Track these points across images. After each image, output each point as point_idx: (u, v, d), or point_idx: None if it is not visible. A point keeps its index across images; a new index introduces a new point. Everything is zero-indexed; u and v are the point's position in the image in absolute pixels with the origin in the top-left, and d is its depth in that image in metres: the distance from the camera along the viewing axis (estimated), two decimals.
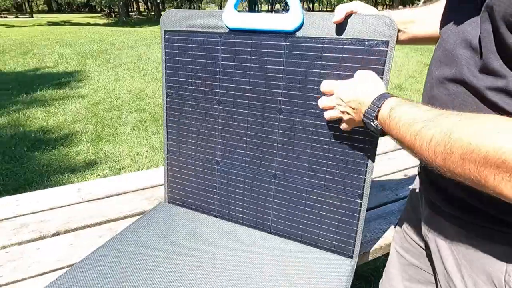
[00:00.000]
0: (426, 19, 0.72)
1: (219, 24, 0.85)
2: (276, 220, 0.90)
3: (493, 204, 0.51)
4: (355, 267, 0.79)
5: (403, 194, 1.14)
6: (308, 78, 0.78)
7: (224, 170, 0.94)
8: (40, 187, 2.35)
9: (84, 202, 1.07)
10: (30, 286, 0.74)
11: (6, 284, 0.75)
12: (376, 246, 0.89)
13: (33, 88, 4.89)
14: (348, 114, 0.67)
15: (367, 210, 1.05)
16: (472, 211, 0.55)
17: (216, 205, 0.97)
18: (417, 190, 0.76)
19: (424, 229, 0.69)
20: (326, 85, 0.72)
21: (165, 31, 0.93)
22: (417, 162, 0.67)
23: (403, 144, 0.52)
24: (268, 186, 0.89)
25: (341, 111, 0.69)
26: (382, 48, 0.71)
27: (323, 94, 0.73)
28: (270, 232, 0.91)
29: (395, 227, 0.88)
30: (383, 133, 0.59)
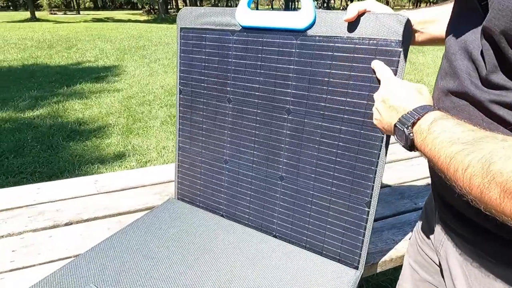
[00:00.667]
0: (445, 18, 0.67)
1: (232, 22, 0.84)
2: (281, 223, 0.88)
3: (508, 228, 0.46)
4: (359, 278, 0.75)
5: (422, 203, 1.08)
6: (318, 78, 0.76)
7: (232, 169, 0.93)
8: (71, 176, 2.47)
9: (99, 194, 1.10)
10: (37, 273, 0.77)
11: (17, 269, 0.78)
12: (386, 257, 0.84)
13: (73, 81, 5.16)
14: (378, 111, 0.60)
15: (381, 219, 1.01)
16: (486, 233, 0.50)
17: (224, 204, 0.96)
18: (432, 201, 0.71)
19: (436, 243, 0.64)
20: (379, 67, 0.66)
21: (181, 29, 0.94)
22: None
23: (435, 165, 0.45)
24: (274, 188, 0.87)
25: (375, 106, 0.62)
26: (395, 48, 0.67)
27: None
28: (275, 236, 0.89)
29: (410, 239, 0.83)
30: (412, 146, 0.51)
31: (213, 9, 0.88)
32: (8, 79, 5.30)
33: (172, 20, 19.35)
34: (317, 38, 0.74)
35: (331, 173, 0.78)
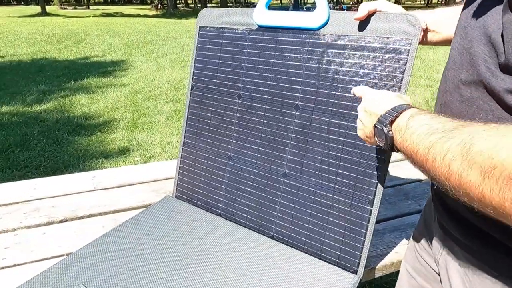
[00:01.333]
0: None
1: (249, 22, 0.88)
2: (280, 223, 0.85)
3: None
4: (357, 283, 0.72)
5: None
6: (328, 75, 0.77)
7: (235, 166, 0.91)
8: (75, 171, 2.47)
9: (96, 190, 1.08)
10: (28, 271, 0.75)
11: (9, 266, 0.77)
12: (387, 261, 0.81)
13: (81, 76, 5.18)
14: (361, 121, 0.59)
15: (383, 220, 0.98)
16: (487, 240, 0.47)
17: (222, 202, 0.94)
18: (431, 204, 0.68)
19: (435, 251, 0.61)
20: (357, 89, 0.68)
21: (200, 27, 0.97)
22: None
23: (414, 161, 0.43)
24: (276, 185, 0.85)
25: (358, 118, 0.61)
26: (404, 47, 0.68)
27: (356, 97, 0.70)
28: (272, 237, 0.86)
29: (408, 244, 0.80)
30: (393, 146, 0.50)
31: (232, 9, 0.92)
32: (17, 73, 5.34)
33: (181, 15, 19.36)
34: (329, 37, 0.76)
35: (335, 169, 0.76)
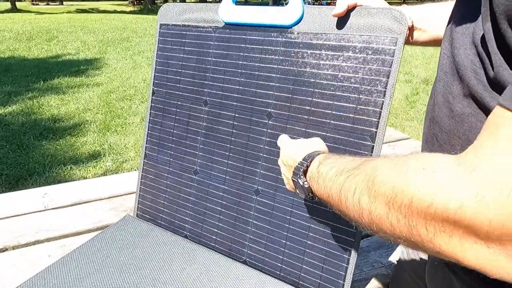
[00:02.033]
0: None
1: (215, 18, 0.77)
2: (253, 246, 0.75)
3: None
4: None
5: None
6: (303, 79, 0.68)
7: (202, 182, 0.80)
8: (40, 179, 2.31)
9: (46, 210, 0.95)
10: None
11: None
12: (373, 286, 0.73)
13: (51, 75, 4.92)
14: (284, 175, 0.59)
15: (366, 236, 0.89)
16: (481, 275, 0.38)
17: (189, 223, 0.83)
18: None
19: (427, 279, 0.52)
20: (279, 139, 0.65)
21: (161, 25, 0.85)
22: None
23: (332, 205, 0.41)
24: (248, 203, 0.75)
25: (282, 172, 0.60)
26: (389, 47, 0.59)
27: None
28: (244, 262, 0.76)
29: (397, 261, 0.71)
30: (311, 194, 0.49)
31: (196, 5, 0.81)
32: None
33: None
34: (304, 35, 0.67)
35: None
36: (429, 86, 4.65)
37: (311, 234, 0.68)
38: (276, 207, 0.72)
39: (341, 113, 0.64)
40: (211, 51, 0.78)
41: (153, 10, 19.94)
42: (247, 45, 0.73)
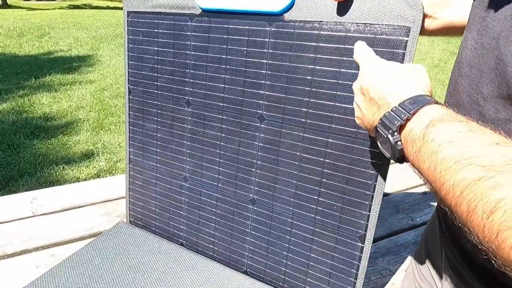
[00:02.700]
0: (465, 0, 0.49)
1: (190, 4, 0.66)
2: (253, 257, 0.70)
3: None
4: None
5: (420, 219, 0.93)
6: (298, 76, 0.59)
7: (192, 189, 0.75)
8: (31, 180, 2.25)
9: (34, 216, 0.90)
10: None
11: None
12: None
13: (43, 72, 4.83)
14: (358, 106, 0.44)
15: (373, 241, 0.85)
16: None
17: (184, 231, 0.78)
18: (436, 234, 0.55)
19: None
20: (356, 48, 0.51)
21: (128, 13, 0.75)
22: None
23: (437, 193, 0.30)
24: (244, 213, 0.70)
25: (355, 100, 0.46)
26: (400, 38, 0.50)
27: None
28: (245, 272, 0.72)
29: (406, 270, 0.67)
30: (402, 158, 0.36)
31: None
32: None
33: None
34: (297, 24, 0.57)
35: (315, 197, 0.61)
36: None
37: (314, 247, 0.64)
38: (275, 218, 0.67)
39: (343, 116, 0.56)
40: (189, 43, 0.68)
41: None
42: (230, 36, 0.64)
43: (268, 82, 0.62)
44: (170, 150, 0.76)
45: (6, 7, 17.49)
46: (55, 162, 2.45)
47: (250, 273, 0.72)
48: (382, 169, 0.55)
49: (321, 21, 0.55)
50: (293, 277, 0.67)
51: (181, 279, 0.69)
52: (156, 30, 0.72)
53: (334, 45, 0.55)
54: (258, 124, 0.64)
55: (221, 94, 0.67)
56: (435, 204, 0.63)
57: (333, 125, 0.57)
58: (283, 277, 0.68)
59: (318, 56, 0.56)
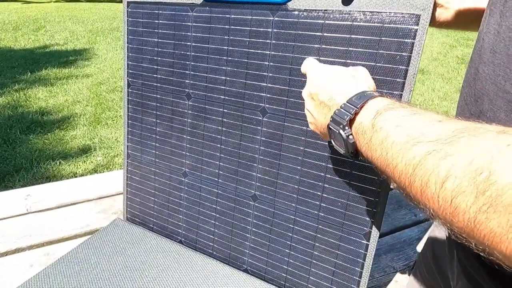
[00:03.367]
0: None
1: None
2: (254, 255, 0.69)
3: None
4: None
5: (424, 215, 0.91)
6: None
7: (192, 185, 0.73)
8: (28, 175, 2.22)
9: (28, 213, 0.88)
10: None
11: None
12: None
13: (39, 66, 4.78)
14: (309, 112, 0.46)
15: None
16: None
17: (182, 228, 0.76)
18: (443, 235, 0.53)
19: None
20: (304, 64, 0.52)
21: (128, 3, 0.73)
22: None
23: (391, 178, 0.31)
24: (245, 210, 0.68)
25: (305, 107, 0.47)
26: (409, 26, 0.48)
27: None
28: (246, 270, 0.70)
29: (409, 274, 0.66)
30: (356, 152, 0.37)
31: None
32: None
33: None
34: (301, 13, 0.55)
35: (319, 193, 0.59)
36: (425, 75, 4.60)
37: (317, 244, 0.62)
38: (277, 215, 0.65)
39: None
40: (190, 34, 0.67)
41: None
42: (232, 26, 0.62)
43: (270, 74, 0.60)
44: (170, 145, 0.74)
45: (1, 0, 17.29)
46: (52, 157, 2.42)
47: (251, 272, 0.70)
48: None
49: (326, 10, 0.54)
50: (295, 276, 0.65)
51: (180, 278, 0.67)
52: (156, 21, 0.70)
53: (339, 35, 0.53)
54: (260, 118, 0.63)
55: (222, 87, 0.65)
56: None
57: None
58: (284, 275, 0.66)
59: (323, 46, 0.55)
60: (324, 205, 0.60)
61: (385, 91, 0.52)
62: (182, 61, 0.69)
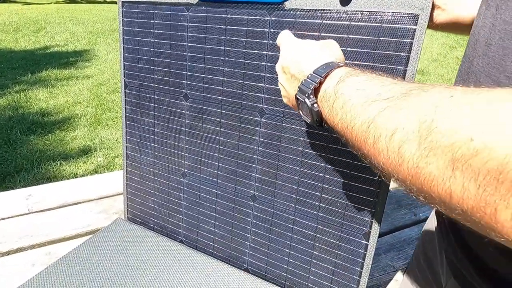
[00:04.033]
0: None
1: None
2: (254, 254, 0.69)
3: None
4: None
5: (423, 214, 0.91)
6: None
7: (191, 185, 0.73)
8: (28, 176, 2.23)
9: (30, 213, 0.88)
10: None
11: None
12: None
13: (39, 67, 4.78)
14: (282, 86, 0.47)
15: None
16: None
17: (183, 227, 0.77)
18: (434, 238, 0.53)
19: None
20: (279, 37, 0.53)
21: (123, 3, 0.72)
22: None
23: (349, 140, 0.33)
24: (245, 210, 0.68)
25: (279, 81, 0.49)
26: (408, 26, 0.48)
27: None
28: (246, 270, 0.70)
29: (403, 273, 0.66)
30: (321, 121, 0.39)
31: None
32: None
33: None
34: (298, 13, 0.55)
35: (318, 194, 0.60)
36: (425, 76, 4.60)
37: (317, 244, 0.62)
38: (276, 215, 0.65)
39: None
40: (186, 34, 0.66)
41: None
42: (228, 26, 0.62)
43: (268, 75, 0.60)
44: (168, 145, 0.74)
45: (2, 1, 17.32)
46: (52, 158, 2.42)
47: (251, 271, 0.70)
48: None
49: (323, 10, 0.53)
50: (295, 275, 0.65)
51: (181, 277, 0.67)
52: (151, 21, 0.70)
53: (337, 35, 0.53)
54: (258, 118, 0.63)
55: (219, 87, 0.65)
56: (430, 215, 0.61)
57: None
58: (285, 274, 0.66)
59: None
60: (323, 205, 0.60)
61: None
62: (179, 61, 0.69)
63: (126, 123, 0.79)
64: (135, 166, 0.80)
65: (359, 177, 0.55)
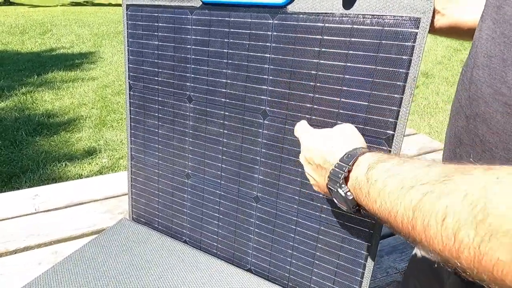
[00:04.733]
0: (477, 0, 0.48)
1: None
2: (258, 255, 0.70)
3: None
4: None
5: None
6: (302, 70, 0.57)
7: (195, 186, 0.74)
8: (34, 176, 2.25)
9: (37, 213, 0.90)
10: None
11: None
12: None
13: (45, 69, 4.83)
14: (310, 175, 0.49)
15: None
16: None
17: (187, 228, 0.78)
18: (431, 273, 0.53)
19: None
20: (296, 128, 0.57)
21: (127, 6, 0.73)
22: None
23: (394, 227, 0.32)
24: (248, 211, 0.69)
25: (306, 172, 0.51)
26: (410, 29, 0.48)
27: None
28: (249, 270, 0.71)
29: (401, 274, 0.66)
30: (357, 207, 0.40)
31: None
32: None
33: None
34: (301, 16, 0.55)
35: (321, 195, 0.60)
36: (429, 79, 4.59)
37: (319, 245, 0.63)
38: (279, 216, 0.66)
39: (350, 112, 0.55)
40: (190, 37, 0.67)
41: None
42: (232, 29, 0.62)
43: (271, 77, 0.61)
44: (172, 147, 0.75)
45: (8, 4, 17.50)
46: (58, 159, 2.45)
47: (254, 271, 0.71)
48: None
49: (326, 13, 0.54)
50: (298, 276, 0.66)
51: (184, 277, 0.68)
52: (156, 24, 0.71)
53: (339, 38, 0.53)
54: (261, 121, 0.63)
55: (223, 90, 0.66)
56: None
57: (338, 122, 0.56)
58: (287, 275, 0.67)
59: (323, 50, 0.55)
60: (326, 206, 0.61)
61: (385, 94, 0.52)
62: (183, 64, 0.69)
63: (130, 124, 0.80)
64: (140, 167, 0.81)
65: None
